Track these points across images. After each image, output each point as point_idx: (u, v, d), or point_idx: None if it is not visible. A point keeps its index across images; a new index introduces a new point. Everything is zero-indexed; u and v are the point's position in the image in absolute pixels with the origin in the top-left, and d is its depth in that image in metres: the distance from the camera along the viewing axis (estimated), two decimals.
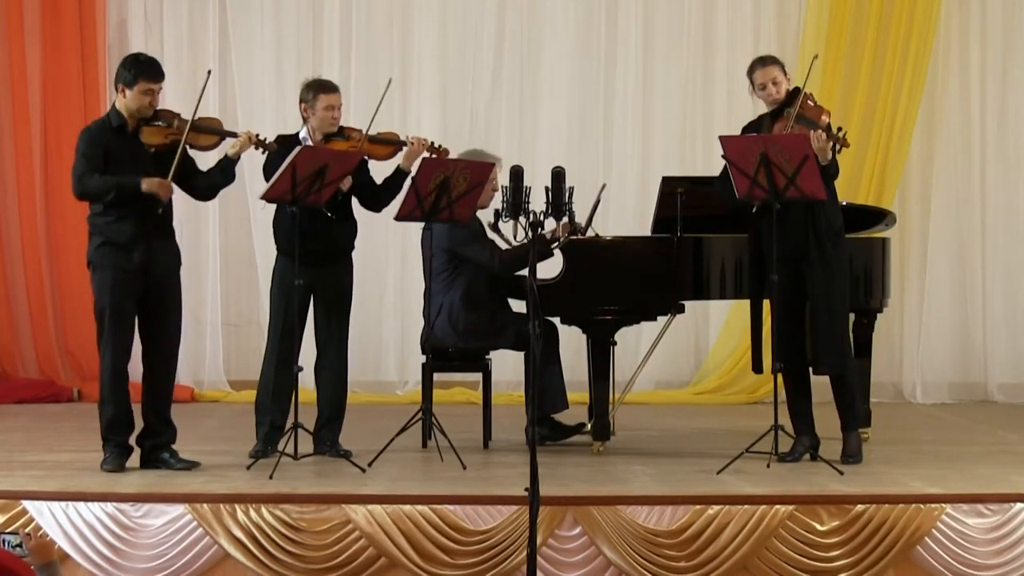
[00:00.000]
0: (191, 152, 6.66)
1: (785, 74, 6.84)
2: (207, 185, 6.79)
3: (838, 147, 6.60)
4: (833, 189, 6.78)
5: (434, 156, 6.99)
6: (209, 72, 6.84)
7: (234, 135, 6.68)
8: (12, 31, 9.87)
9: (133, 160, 6.48)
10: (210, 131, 6.65)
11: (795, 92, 6.79)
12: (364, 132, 6.96)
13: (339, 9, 10.08)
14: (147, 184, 6.41)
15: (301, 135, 6.98)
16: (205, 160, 6.90)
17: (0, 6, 9.88)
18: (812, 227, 6.70)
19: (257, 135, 6.70)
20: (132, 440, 6.62)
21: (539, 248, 7.38)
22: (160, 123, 6.52)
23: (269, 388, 7.00)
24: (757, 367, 7.24)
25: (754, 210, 6.78)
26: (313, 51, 10.11)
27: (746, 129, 7.01)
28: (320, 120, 6.94)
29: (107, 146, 6.48)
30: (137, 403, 6.65)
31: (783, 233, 6.60)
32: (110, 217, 6.48)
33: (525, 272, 7.38)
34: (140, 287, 6.52)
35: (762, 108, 7.07)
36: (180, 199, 6.81)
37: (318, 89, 6.98)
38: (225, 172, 6.73)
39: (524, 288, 7.59)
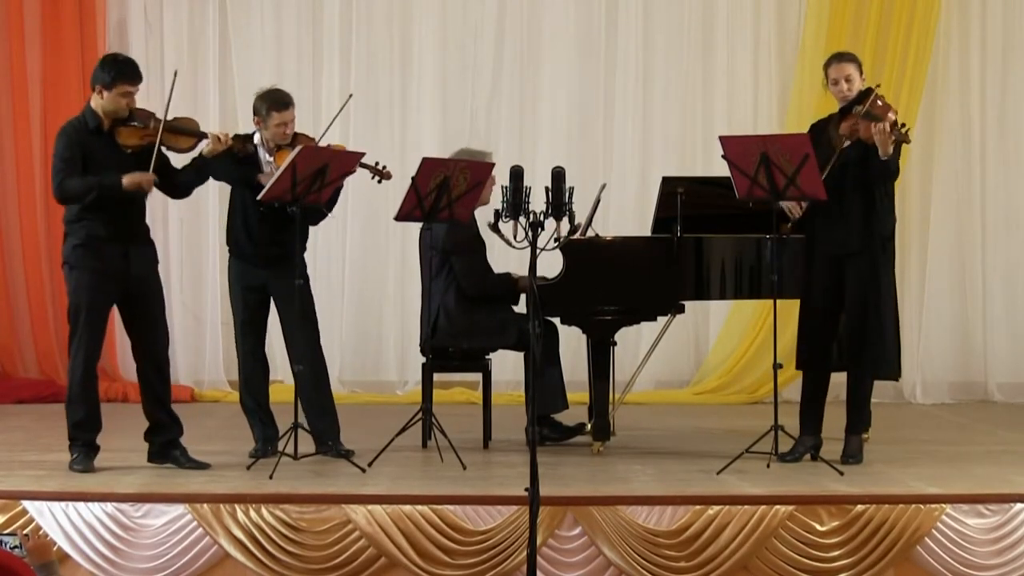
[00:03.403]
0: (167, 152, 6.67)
1: (861, 73, 6.81)
2: (182, 183, 6.77)
3: (899, 142, 6.57)
4: (890, 193, 6.77)
5: (377, 178, 7.01)
6: (176, 72, 6.80)
7: (209, 137, 6.65)
8: (12, 31, 9.87)
9: (111, 160, 6.47)
10: (186, 132, 6.63)
11: (867, 92, 6.75)
12: (316, 140, 6.94)
13: (339, 9, 10.08)
14: (128, 180, 6.39)
15: (256, 139, 6.96)
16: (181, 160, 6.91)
17: (0, 6, 9.88)
18: (864, 228, 6.69)
19: (230, 135, 6.71)
20: (99, 439, 6.62)
21: (514, 290, 7.46)
22: (136, 123, 6.51)
23: (244, 389, 7.07)
24: (800, 364, 7.05)
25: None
26: (313, 51, 10.11)
27: (815, 126, 6.96)
28: (272, 134, 6.91)
29: (85, 147, 6.46)
30: (105, 402, 6.67)
31: (834, 231, 6.62)
32: (86, 219, 6.46)
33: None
34: (117, 289, 6.52)
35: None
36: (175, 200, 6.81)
37: (271, 106, 6.91)
38: (200, 172, 6.73)
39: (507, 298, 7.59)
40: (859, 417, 6.90)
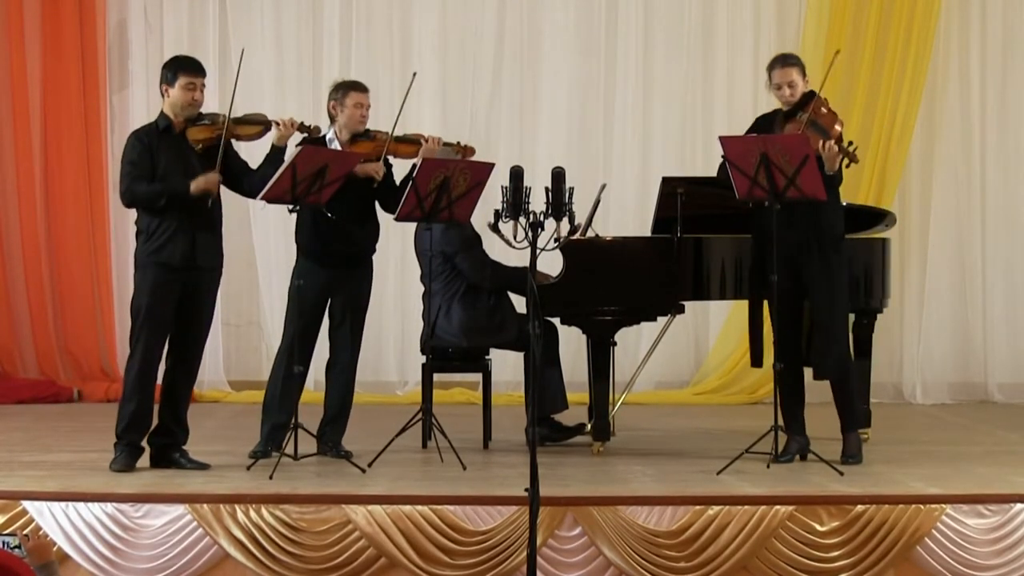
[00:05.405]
0: (239, 149, 6.73)
1: (804, 76, 6.79)
2: (259, 179, 6.75)
3: (847, 161, 6.58)
4: (837, 196, 6.79)
5: (459, 155, 7.07)
6: (243, 51, 6.84)
7: (276, 124, 6.72)
8: (12, 31, 9.88)
9: (180, 159, 6.54)
10: (252, 122, 6.72)
11: (810, 95, 6.75)
12: (390, 134, 6.97)
13: (339, 9, 10.10)
14: (195, 186, 6.48)
15: (328, 136, 7.00)
16: (250, 154, 6.93)
17: (0, 6, 9.89)
18: (814, 230, 6.70)
19: (295, 119, 6.75)
20: (145, 441, 6.62)
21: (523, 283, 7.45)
22: (205, 121, 6.62)
23: (276, 387, 6.99)
24: (757, 361, 7.22)
25: (751, 204, 6.78)
26: (313, 51, 10.12)
27: (759, 120, 6.99)
28: (349, 117, 6.95)
29: (154, 148, 6.55)
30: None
31: (786, 234, 6.60)
32: (155, 216, 6.51)
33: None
34: (180, 281, 6.54)
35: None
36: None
37: (349, 87, 7.02)
38: (274, 163, 6.72)
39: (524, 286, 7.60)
40: (850, 414, 6.89)
